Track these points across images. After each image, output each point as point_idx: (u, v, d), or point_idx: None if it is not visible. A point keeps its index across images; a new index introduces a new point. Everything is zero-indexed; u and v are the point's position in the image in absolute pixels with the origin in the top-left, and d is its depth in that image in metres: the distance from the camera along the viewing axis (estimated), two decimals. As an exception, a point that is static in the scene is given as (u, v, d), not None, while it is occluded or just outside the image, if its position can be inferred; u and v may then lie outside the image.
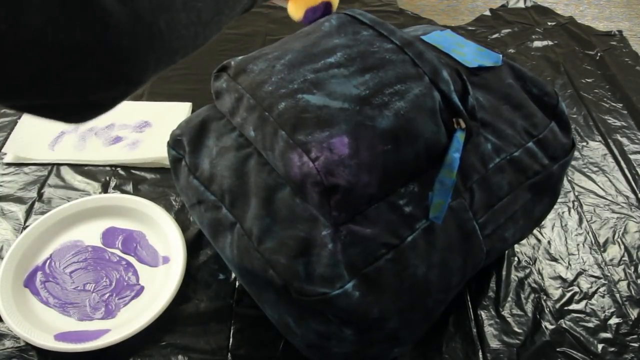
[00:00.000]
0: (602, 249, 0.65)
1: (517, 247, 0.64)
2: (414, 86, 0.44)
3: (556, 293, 0.60)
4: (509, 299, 0.59)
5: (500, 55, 0.52)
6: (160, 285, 0.58)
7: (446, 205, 0.43)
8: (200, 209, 0.51)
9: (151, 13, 0.25)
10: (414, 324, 0.47)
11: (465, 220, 0.47)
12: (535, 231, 0.66)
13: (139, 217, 0.64)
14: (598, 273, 0.62)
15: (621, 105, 0.87)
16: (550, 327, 0.57)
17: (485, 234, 0.49)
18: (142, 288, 0.58)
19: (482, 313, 0.58)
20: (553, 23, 1.06)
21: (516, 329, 0.56)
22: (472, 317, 0.57)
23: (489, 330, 0.56)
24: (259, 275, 0.44)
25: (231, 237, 0.47)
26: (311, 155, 0.40)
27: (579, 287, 0.60)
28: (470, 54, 0.51)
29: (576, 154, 0.78)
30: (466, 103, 0.46)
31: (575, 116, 0.85)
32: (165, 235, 0.62)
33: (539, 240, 0.65)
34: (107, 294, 0.57)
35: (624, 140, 0.80)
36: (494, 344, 0.55)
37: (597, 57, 0.97)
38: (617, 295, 0.60)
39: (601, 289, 0.60)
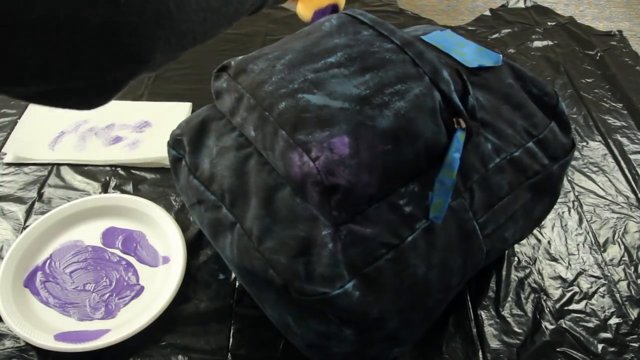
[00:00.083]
0: (602, 249, 0.65)
1: (517, 247, 0.64)
2: (414, 86, 0.44)
3: (556, 293, 0.60)
4: (509, 299, 0.59)
5: (500, 55, 0.52)
6: (160, 285, 0.58)
7: (446, 205, 0.43)
8: (200, 209, 0.51)
9: None
10: (414, 324, 0.47)
11: (465, 220, 0.47)
12: (535, 231, 0.66)
13: (139, 217, 0.64)
14: (598, 273, 0.62)
15: (621, 105, 0.87)
16: (550, 327, 0.57)
17: (485, 233, 0.49)
18: (142, 288, 0.58)
19: (482, 313, 0.58)
20: (553, 23, 1.06)
21: (516, 329, 0.56)
22: (472, 317, 0.57)
23: (489, 330, 0.56)
24: (259, 275, 0.44)
25: (231, 237, 0.47)
26: (311, 155, 0.40)
27: (579, 287, 0.60)
28: (470, 54, 0.51)
29: (576, 154, 0.78)
30: (466, 103, 0.46)
31: (575, 116, 0.85)
32: (165, 235, 0.62)
33: (539, 240, 0.65)
34: (107, 294, 0.57)
35: (624, 140, 0.80)
36: (494, 344, 0.55)
37: (597, 57, 0.97)
38: (617, 295, 0.60)
39: (601, 289, 0.60)
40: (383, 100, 0.43)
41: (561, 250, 0.64)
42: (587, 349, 0.55)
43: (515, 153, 0.49)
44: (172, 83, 0.87)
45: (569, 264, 0.63)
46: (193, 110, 0.81)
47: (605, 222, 0.68)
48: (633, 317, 0.58)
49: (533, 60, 0.96)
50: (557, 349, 0.55)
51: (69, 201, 0.66)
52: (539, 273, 0.62)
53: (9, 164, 0.72)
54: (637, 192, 0.72)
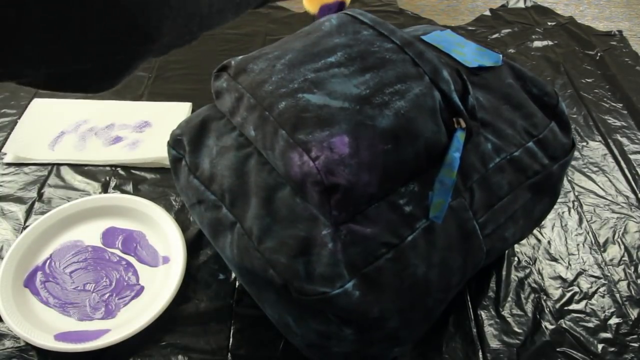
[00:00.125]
0: (602, 249, 0.65)
1: (517, 247, 0.64)
2: (414, 86, 0.44)
3: (556, 293, 0.60)
4: (509, 299, 0.59)
5: (500, 55, 0.52)
6: (160, 285, 0.58)
7: (446, 204, 0.43)
8: (200, 209, 0.51)
9: None
10: (414, 323, 0.47)
11: (465, 219, 0.47)
12: (535, 231, 0.66)
13: (139, 217, 0.64)
14: (598, 273, 0.62)
15: (621, 105, 0.87)
16: (550, 327, 0.57)
17: (485, 233, 0.49)
18: (142, 288, 0.58)
19: (482, 313, 0.58)
20: (553, 23, 1.06)
21: (516, 329, 0.56)
22: (472, 317, 0.57)
23: (489, 330, 0.56)
24: (259, 274, 0.44)
25: (231, 236, 0.47)
26: (311, 155, 0.40)
27: (579, 287, 0.60)
28: (470, 54, 0.51)
29: (576, 154, 0.78)
30: (466, 103, 0.46)
31: (575, 116, 0.85)
32: (165, 235, 0.62)
33: (539, 240, 0.65)
34: (107, 294, 0.57)
35: (624, 140, 0.80)
36: (494, 344, 0.55)
37: (597, 57, 0.97)
38: (617, 295, 0.60)
39: (601, 289, 0.60)
40: (383, 99, 0.43)
41: (561, 250, 0.64)
42: (587, 349, 0.55)
43: (515, 153, 0.49)
44: (172, 83, 0.87)
45: (569, 264, 0.63)
46: (193, 110, 0.81)
47: (605, 222, 0.68)
48: (633, 317, 0.58)
49: (533, 60, 0.96)
50: (557, 349, 0.55)
51: (69, 201, 0.66)
52: (539, 273, 0.62)
53: (9, 164, 0.72)
54: (637, 192, 0.72)
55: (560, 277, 0.61)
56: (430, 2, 1.14)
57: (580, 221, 0.68)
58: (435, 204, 0.43)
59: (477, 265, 0.50)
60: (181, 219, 0.65)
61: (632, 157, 0.77)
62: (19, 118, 0.79)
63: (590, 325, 0.57)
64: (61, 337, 0.52)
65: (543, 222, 0.67)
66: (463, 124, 0.44)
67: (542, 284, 0.60)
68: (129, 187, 0.70)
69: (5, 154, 0.73)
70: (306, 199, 0.43)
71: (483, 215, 0.48)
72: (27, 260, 0.59)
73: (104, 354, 0.52)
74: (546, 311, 0.58)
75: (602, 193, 0.72)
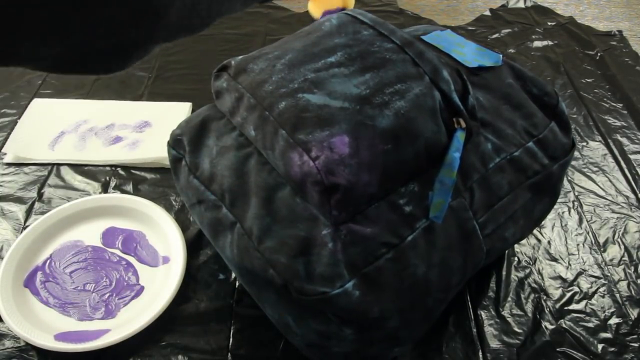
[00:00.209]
0: (602, 249, 0.65)
1: (517, 247, 0.64)
2: (414, 86, 0.44)
3: (556, 293, 0.60)
4: (509, 299, 0.59)
5: (500, 55, 0.52)
6: (160, 285, 0.58)
7: (446, 204, 0.43)
8: (200, 209, 0.51)
9: None
10: (414, 323, 0.47)
11: (465, 219, 0.47)
12: (535, 231, 0.66)
13: (139, 217, 0.64)
14: (598, 273, 0.62)
15: (621, 105, 0.87)
16: (550, 327, 0.57)
17: (485, 233, 0.49)
18: (142, 288, 0.58)
19: (482, 313, 0.58)
20: (553, 23, 1.06)
21: (516, 329, 0.56)
22: (472, 317, 0.57)
23: (489, 330, 0.56)
24: (259, 274, 0.44)
25: (231, 236, 0.47)
26: (311, 155, 0.40)
27: (579, 287, 0.60)
28: (470, 54, 0.51)
29: (576, 154, 0.78)
30: (466, 103, 0.46)
31: (575, 116, 0.85)
32: (165, 235, 0.62)
33: (539, 240, 0.65)
34: (107, 294, 0.57)
35: (624, 140, 0.80)
36: (494, 344, 0.55)
37: (597, 57, 0.97)
38: (617, 295, 0.60)
39: (601, 289, 0.60)
40: (383, 99, 0.43)
41: (561, 250, 0.64)
42: (587, 349, 0.55)
43: (515, 153, 0.49)
44: (172, 83, 0.87)
45: (569, 264, 0.63)
46: (193, 110, 0.81)
47: (605, 222, 0.68)
48: (633, 317, 0.58)
49: (533, 60, 0.96)
50: (557, 349, 0.55)
51: (69, 201, 0.66)
52: (539, 273, 0.62)
53: (9, 164, 0.72)
54: (637, 192, 0.72)
55: (560, 277, 0.61)
56: (430, 2, 1.14)
57: (580, 221, 0.68)
58: (435, 203, 0.43)
59: (477, 265, 0.50)
60: (181, 219, 0.65)
61: (632, 157, 0.77)
62: (19, 118, 0.79)
63: (590, 325, 0.57)
64: (61, 337, 0.52)
65: (543, 222, 0.67)
66: (463, 124, 0.44)
67: (542, 284, 0.60)
68: (129, 187, 0.70)
69: (5, 154, 0.73)
70: (306, 199, 0.43)
71: (483, 215, 0.48)
72: (27, 260, 0.59)
73: (104, 354, 0.52)
74: (546, 311, 0.58)
75: (602, 193, 0.72)
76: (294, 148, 0.41)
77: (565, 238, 0.66)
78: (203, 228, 0.53)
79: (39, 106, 0.81)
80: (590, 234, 0.66)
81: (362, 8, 1.08)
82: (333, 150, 0.40)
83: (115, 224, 0.64)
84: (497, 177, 0.48)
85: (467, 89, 0.46)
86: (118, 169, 0.72)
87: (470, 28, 1.05)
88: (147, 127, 0.78)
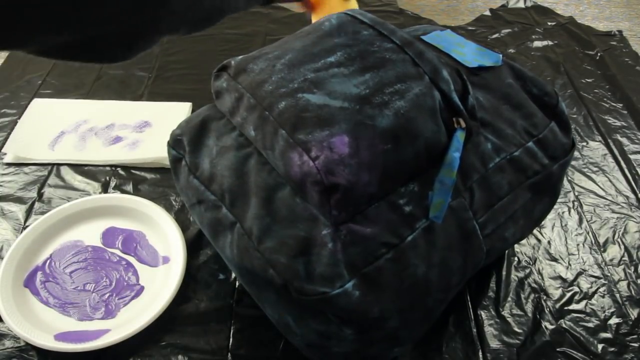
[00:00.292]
0: (602, 249, 0.65)
1: (517, 247, 0.64)
2: (414, 85, 0.44)
3: (556, 293, 0.60)
4: (509, 299, 0.59)
5: (500, 55, 0.52)
6: (160, 285, 0.58)
7: (446, 204, 0.43)
8: (200, 209, 0.51)
9: None
10: (414, 323, 0.47)
11: (465, 219, 0.47)
12: (535, 231, 0.66)
13: (139, 217, 0.64)
14: (598, 273, 0.62)
15: (621, 105, 0.87)
16: (550, 327, 0.57)
17: (485, 233, 0.49)
18: (142, 288, 0.58)
19: (482, 313, 0.58)
20: (553, 23, 1.06)
21: (516, 329, 0.56)
22: (472, 317, 0.57)
23: (489, 330, 0.56)
24: (259, 274, 0.44)
25: (231, 236, 0.47)
26: (311, 155, 0.40)
27: (579, 287, 0.60)
28: (470, 53, 0.51)
29: (576, 154, 0.78)
30: (466, 103, 0.46)
31: (575, 116, 0.85)
32: (165, 235, 0.62)
33: (539, 240, 0.65)
34: (107, 294, 0.57)
35: (624, 140, 0.80)
36: (494, 344, 0.55)
37: (597, 57, 0.97)
38: (617, 295, 0.60)
39: (601, 289, 0.60)
40: (383, 99, 0.43)
41: (561, 250, 0.64)
42: (587, 349, 0.55)
43: (515, 153, 0.49)
44: (172, 83, 0.87)
45: (569, 264, 0.63)
46: (193, 110, 0.81)
47: (605, 222, 0.68)
48: (633, 317, 0.58)
49: (533, 60, 0.96)
50: (557, 349, 0.55)
51: (69, 201, 0.66)
52: (539, 273, 0.62)
53: (9, 164, 0.72)
54: (637, 192, 0.72)
55: (560, 277, 0.61)
56: (430, 2, 1.14)
57: (580, 221, 0.68)
58: (435, 203, 0.43)
59: (477, 265, 0.50)
60: (181, 219, 0.65)
61: (632, 157, 0.77)
62: (19, 118, 0.79)
63: (590, 325, 0.57)
64: (61, 337, 0.52)
65: (543, 222, 0.67)
66: (463, 124, 0.44)
67: (542, 284, 0.60)
68: (129, 187, 0.70)
69: (5, 154, 0.73)
70: (306, 199, 0.43)
71: (483, 215, 0.48)
72: (27, 260, 0.59)
73: (104, 354, 0.52)
74: (546, 311, 0.58)
75: (602, 193, 0.72)
76: (294, 148, 0.41)
77: (565, 238, 0.66)
78: (203, 228, 0.53)
79: (39, 106, 0.81)
80: (590, 234, 0.66)
81: (362, 8, 1.08)
82: (333, 150, 0.40)
83: (115, 224, 0.64)
84: (497, 177, 0.48)
85: (467, 89, 0.46)
86: (118, 169, 0.72)
87: (470, 28, 1.05)
88: (147, 127, 0.78)
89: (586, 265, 0.63)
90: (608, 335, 0.56)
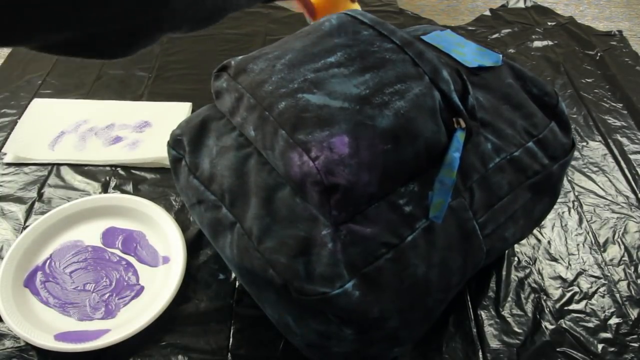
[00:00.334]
0: (602, 249, 0.65)
1: (517, 247, 0.64)
2: (414, 86, 0.44)
3: (556, 293, 0.60)
4: (509, 299, 0.59)
5: (500, 55, 0.52)
6: (160, 285, 0.58)
7: (446, 204, 0.43)
8: (200, 209, 0.51)
9: None
10: (414, 323, 0.47)
11: (465, 219, 0.47)
12: (535, 231, 0.66)
13: (139, 217, 0.64)
14: (598, 273, 0.62)
15: (621, 105, 0.87)
16: (550, 327, 0.57)
17: (485, 233, 0.49)
18: (142, 288, 0.58)
19: (482, 313, 0.58)
20: (553, 23, 1.06)
21: (516, 329, 0.56)
22: (472, 317, 0.57)
23: (489, 330, 0.56)
24: (258, 274, 0.44)
25: (231, 236, 0.47)
26: (311, 155, 0.40)
27: (579, 287, 0.60)
28: (470, 54, 0.51)
29: (576, 154, 0.78)
30: (466, 103, 0.46)
31: (575, 116, 0.85)
32: (165, 235, 0.62)
33: (539, 240, 0.65)
34: (107, 294, 0.57)
35: (624, 140, 0.80)
36: (494, 344, 0.55)
37: (597, 57, 0.97)
38: (617, 295, 0.60)
39: (601, 289, 0.60)
40: (383, 99, 0.43)
41: (561, 250, 0.64)
42: (587, 349, 0.55)
43: (515, 153, 0.49)
44: (172, 83, 0.87)
45: (569, 264, 0.63)
46: (193, 110, 0.81)
47: (605, 222, 0.68)
48: (633, 317, 0.58)
49: (533, 60, 0.96)
50: (557, 349, 0.55)
51: (69, 201, 0.66)
52: (539, 273, 0.62)
53: (9, 164, 0.72)
54: (637, 192, 0.72)
55: (560, 277, 0.61)
56: (430, 2, 1.14)
57: (580, 221, 0.68)
58: (435, 204, 0.43)
59: (477, 265, 0.50)
60: (181, 219, 0.65)
61: (632, 157, 0.77)
62: (19, 118, 0.79)
63: (590, 325, 0.57)
64: (61, 337, 0.52)
65: (543, 222, 0.67)
66: (463, 124, 0.44)
67: (542, 284, 0.60)
68: (129, 187, 0.70)
69: (5, 154, 0.73)
70: (306, 199, 0.43)
71: (483, 215, 0.48)
72: (27, 260, 0.59)
73: (104, 354, 0.52)
74: (546, 311, 0.58)
75: (602, 193, 0.72)
76: (294, 148, 0.41)
77: (565, 238, 0.66)
78: (203, 228, 0.53)
79: (39, 106, 0.81)
80: (590, 234, 0.66)
81: (362, 8, 1.08)
82: (333, 151, 0.40)
83: (115, 224, 0.64)
84: (497, 177, 0.48)
85: (467, 89, 0.46)
86: (118, 169, 0.72)
87: (470, 28, 1.05)
88: (147, 127, 0.78)
89: (586, 265, 0.63)
90: (608, 335, 0.56)
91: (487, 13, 1.09)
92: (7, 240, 0.63)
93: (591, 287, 0.60)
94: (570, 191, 0.72)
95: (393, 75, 0.45)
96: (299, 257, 0.41)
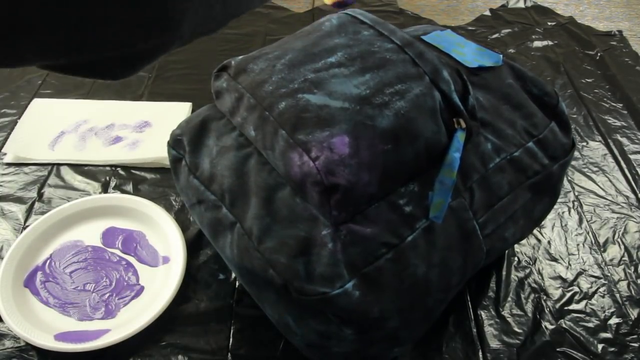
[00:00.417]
0: (602, 249, 0.65)
1: (517, 247, 0.64)
2: (415, 86, 0.44)
3: (556, 293, 0.60)
4: (509, 299, 0.59)
5: (500, 55, 0.52)
6: (160, 285, 0.58)
7: (446, 204, 0.43)
8: (200, 209, 0.51)
9: None
10: (414, 323, 0.47)
11: (465, 219, 0.47)
12: (535, 231, 0.66)
13: (139, 217, 0.64)
14: (598, 273, 0.62)
15: (621, 105, 0.87)
16: (550, 327, 0.57)
17: (485, 233, 0.49)
18: (142, 288, 0.58)
19: (482, 313, 0.58)
20: (553, 23, 1.06)
21: (516, 329, 0.56)
22: (472, 317, 0.57)
23: (489, 330, 0.56)
24: (259, 274, 0.44)
25: (231, 236, 0.47)
26: (311, 155, 0.40)
27: (579, 287, 0.60)
28: (470, 54, 0.51)
29: (576, 154, 0.78)
30: (466, 103, 0.46)
31: (575, 116, 0.85)
32: (165, 235, 0.62)
33: (539, 240, 0.65)
34: (107, 294, 0.57)
35: (624, 140, 0.80)
36: (494, 344, 0.55)
37: (597, 57, 0.97)
38: (617, 295, 0.60)
39: (601, 289, 0.60)
40: (383, 100, 0.43)
41: (561, 250, 0.64)
42: (587, 349, 0.55)
43: (515, 153, 0.49)
44: (172, 83, 0.87)
45: (569, 264, 0.63)
46: (193, 110, 0.81)
47: (605, 222, 0.68)
48: (633, 317, 0.58)
49: (533, 60, 0.96)
50: (557, 349, 0.55)
51: (69, 201, 0.66)
52: (539, 273, 0.62)
53: (9, 164, 0.72)
54: (637, 192, 0.72)
55: (560, 277, 0.61)
56: (430, 2, 1.14)
57: (580, 221, 0.68)
58: (435, 204, 0.43)
59: (477, 265, 0.50)
60: (181, 219, 0.65)
61: (632, 157, 0.77)
62: (19, 118, 0.79)
63: (590, 325, 0.57)
64: (61, 337, 0.52)
65: (543, 222, 0.67)
66: (463, 124, 0.44)
67: (542, 284, 0.61)
68: (129, 187, 0.70)
69: (5, 154, 0.73)
70: (306, 199, 0.43)
71: (483, 215, 0.48)
72: (27, 260, 0.59)
73: (104, 354, 0.52)
74: (546, 311, 0.58)
75: (602, 193, 0.72)
76: (294, 148, 0.41)
77: (565, 238, 0.66)
78: (203, 228, 0.53)
79: (39, 106, 0.81)
80: (590, 234, 0.66)
81: (362, 8, 1.08)
82: (333, 151, 0.40)
83: (115, 224, 0.64)
84: (497, 177, 0.48)
85: (467, 89, 0.46)
86: (118, 169, 0.72)
87: (470, 28, 1.05)
88: (147, 127, 0.78)
89: (586, 265, 0.63)
90: (608, 335, 0.56)
91: (487, 13, 1.09)
92: (7, 240, 0.63)
93: (591, 287, 0.60)
94: (570, 191, 0.72)
95: (393, 76, 0.45)
96: (299, 257, 0.41)
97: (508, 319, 0.57)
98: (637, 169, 0.75)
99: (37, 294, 0.57)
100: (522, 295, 0.59)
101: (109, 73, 0.28)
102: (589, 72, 0.94)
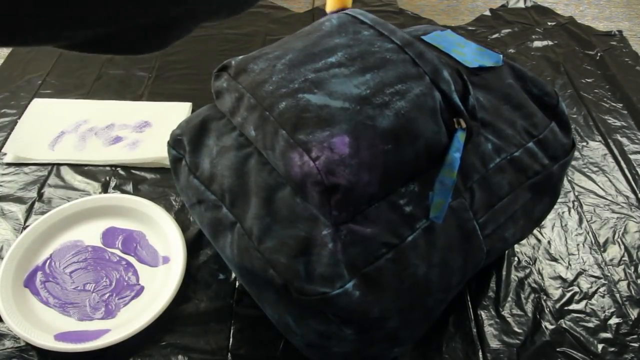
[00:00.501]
0: (602, 249, 0.65)
1: (517, 247, 0.64)
2: (415, 86, 0.44)
3: (556, 293, 0.60)
4: (509, 299, 0.59)
5: (501, 55, 0.52)
6: (160, 285, 0.58)
7: (446, 204, 0.43)
8: (200, 209, 0.51)
9: None
10: (414, 323, 0.47)
11: (466, 220, 0.47)
12: (535, 231, 0.66)
13: (139, 217, 0.64)
14: (598, 273, 0.62)
15: (621, 105, 0.87)
16: (550, 327, 0.57)
17: (485, 233, 0.49)
18: (142, 288, 0.58)
19: (482, 313, 0.58)
20: (553, 23, 1.06)
21: (516, 329, 0.56)
22: (472, 317, 0.57)
23: (489, 330, 0.56)
24: (259, 274, 0.44)
25: (231, 236, 0.47)
26: (312, 155, 0.40)
27: (579, 287, 0.60)
28: (470, 54, 0.51)
29: (576, 154, 0.78)
30: (467, 103, 0.46)
31: (575, 116, 0.85)
32: (165, 235, 0.62)
33: (539, 240, 0.65)
34: (107, 294, 0.57)
35: (624, 140, 0.80)
36: (494, 344, 0.55)
37: (597, 57, 0.97)
38: (617, 295, 0.60)
39: (601, 289, 0.60)
40: (383, 100, 0.43)
41: (561, 250, 0.64)
42: (587, 349, 0.55)
43: (516, 153, 0.49)
44: (172, 83, 0.87)
45: (569, 264, 0.63)
46: (193, 110, 0.81)
47: (605, 222, 0.68)
48: (633, 317, 0.58)
49: (533, 60, 0.96)
50: (557, 349, 0.55)
51: (69, 201, 0.66)
52: (539, 273, 0.62)
53: (9, 164, 0.72)
54: (637, 192, 0.72)
55: (560, 277, 0.61)
56: (430, 2, 1.14)
57: (580, 221, 0.68)
58: (436, 204, 0.43)
59: (477, 266, 0.50)
60: (181, 219, 0.65)
61: (632, 157, 0.77)
62: (19, 118, 0.79)
63: (590, 325, 0.57)
64: (61, 337, 0.52)
65: (543, 222, 0.67)
66: (463, 124, 0.44)
67: (542, 284, 0.61)
68: (129, 187, 0.70)
69: (5, 154, 0.73)
70: (306, 199, 0.43)
71: (483, 215, 0.48)
72: (27, 260, 0.59)
73: (104, 354, 0.52)
74: (546, 311, 0.58)
75: (602, 193, 0.72)
76: (294, 148, 0.41)
77: (565, 238, 0.66)
78: (203, 228, 0.53)
79: (39, 106, 0.81)
80: (590, 234, 0.66)
81: (362, 8, 1.08)
82: (333, 151, 0.40)
83: (115, 224, 0.64)
84: (498, 177, 0.48)
85: (467, 89, 0.46)
86: (118, 169, 0.72)
87: (470, 28, 1.05)
88: (147, 127, 0.78)
89: (586, 265, 0.63)
90: (608, 335, 0.56)
91: (487, 13, 1.09)
92: (7, 240, 0.63)
93: (591, 287, 0.60)
94: (570, 191, 0.72)
95: (394, 76, 0.45)
96: (299, 257, 0.41)
97: (508, 319, 0.57)
98: (637, 169, 0.75)
99: (37, 294, 0.57)
100: (522, 295, 0.59)
101: (140, 46, 0.27)
102: (589, 72, 0.94)
